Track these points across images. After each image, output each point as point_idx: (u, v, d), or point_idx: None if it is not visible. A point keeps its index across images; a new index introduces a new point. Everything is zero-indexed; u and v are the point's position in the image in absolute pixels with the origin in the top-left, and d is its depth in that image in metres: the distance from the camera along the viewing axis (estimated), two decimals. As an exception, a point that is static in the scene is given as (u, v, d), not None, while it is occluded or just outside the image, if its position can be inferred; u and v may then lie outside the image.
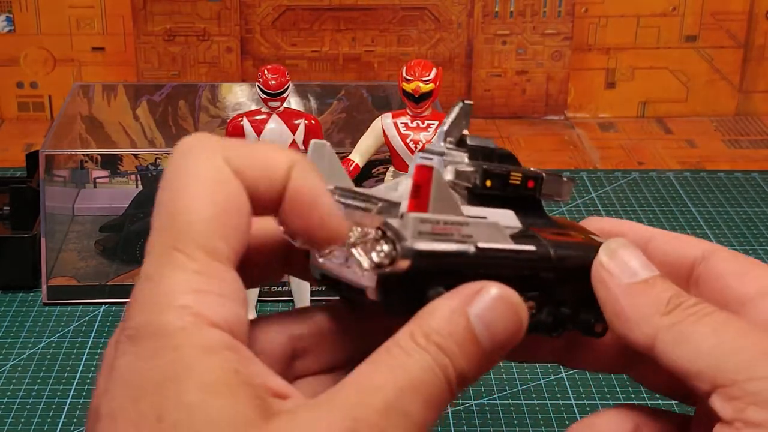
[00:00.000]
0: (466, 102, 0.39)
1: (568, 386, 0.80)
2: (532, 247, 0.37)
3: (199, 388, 0.32)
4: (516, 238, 0.37)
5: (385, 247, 0.35)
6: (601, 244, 0.39)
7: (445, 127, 0.39)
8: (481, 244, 0.36)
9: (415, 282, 0.35)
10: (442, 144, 0.39)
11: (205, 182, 0.34)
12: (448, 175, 0.38)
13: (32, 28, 1.30)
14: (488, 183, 0.38)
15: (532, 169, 0.40)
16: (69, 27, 1.30)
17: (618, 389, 0.79)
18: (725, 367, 0.35)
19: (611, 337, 0.40)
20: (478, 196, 0.38)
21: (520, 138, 1.31)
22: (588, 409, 0.77)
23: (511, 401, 0.78)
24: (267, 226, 0.38)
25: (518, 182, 0.39)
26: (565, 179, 0.40)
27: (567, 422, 0.76)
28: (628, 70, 1.36)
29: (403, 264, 0.34)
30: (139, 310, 0.34)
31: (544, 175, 0.40)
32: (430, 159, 0.38)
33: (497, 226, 0.37)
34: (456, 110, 0.39)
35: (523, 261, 0.37)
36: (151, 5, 1.30)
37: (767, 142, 1.31)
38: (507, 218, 0.38)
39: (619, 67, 1.36)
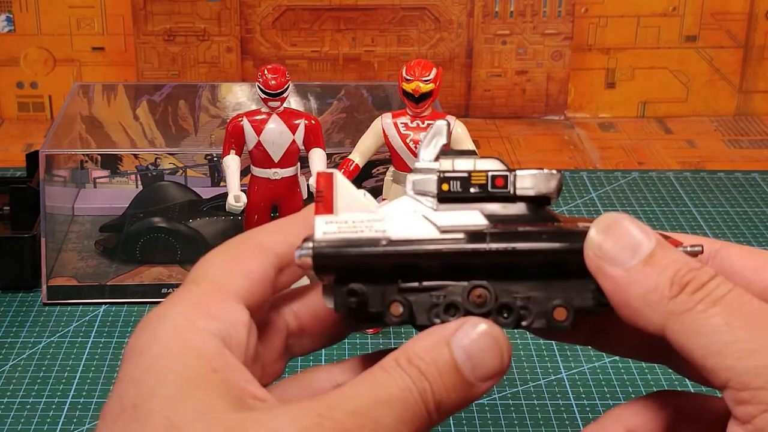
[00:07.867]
0: (442, 121, 0.41)
1: (568, 386, 0.80)
2: (459, 236, 0.38)
3: (177, 383, 0.34)
4: (467, 234, 0.38)
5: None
6: (582, 230, 0.38)
7: (428, 147, 0.41)
8: (394, 237, 0.38)
9: (338, 277, 0.39)
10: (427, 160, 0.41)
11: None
12: (408, 186, 0.40)
13: (32, 28, 1.30)
14: (444, 187, 0.39)
15: (503, 167, 0.40)
16: (69, 27, 1.30)
17: (618, 389, 0.79)
18: (738, 369, 0.34)
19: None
20: (447, 200, 0.40)
21: (520, 138, 1.31)
22: (588, 409, 0.77)
23: (511, 401, 0.78)
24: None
25: (483, 181, 0.40)
26: (552, 173, 0.40)
27: (567, 422, 0.76)
28: (628, 70, 1.36)
29: (307, 261, 0.38)
30: (139, 327, 0.37)
31: (516, 171, 0.40)
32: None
33: (421, 220, 0.39)
34: (432, 129, 0.41)
35: (447, 252, 0.38)
36: (151, 5, 1.30)
37: (767, 142, 1.31)
38: (467, 217, 0.39)
39: (619, 67, 1.36)
